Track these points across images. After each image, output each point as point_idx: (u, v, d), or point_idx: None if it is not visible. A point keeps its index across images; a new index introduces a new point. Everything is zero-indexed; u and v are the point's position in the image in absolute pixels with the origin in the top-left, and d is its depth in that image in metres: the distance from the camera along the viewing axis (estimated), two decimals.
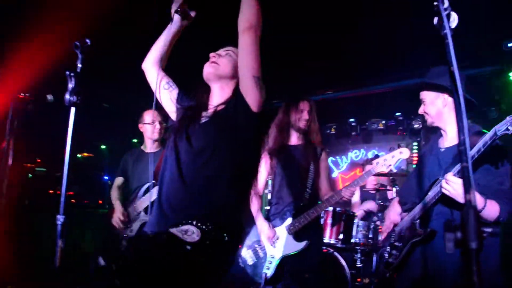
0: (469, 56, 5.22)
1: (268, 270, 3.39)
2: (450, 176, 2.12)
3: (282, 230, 3.42)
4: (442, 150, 2.50)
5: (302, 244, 3.35)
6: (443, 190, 2.14)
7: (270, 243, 3.41)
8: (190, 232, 1.68)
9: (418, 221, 2.40)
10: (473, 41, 4.81)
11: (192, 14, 2.19)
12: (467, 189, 1.06)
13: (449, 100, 2.41)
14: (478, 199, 2.07)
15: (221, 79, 2.03)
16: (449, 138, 2.47)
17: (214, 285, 1.88)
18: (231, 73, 2.02)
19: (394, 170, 3.78)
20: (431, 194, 2.32)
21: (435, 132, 2.67)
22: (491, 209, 2.08)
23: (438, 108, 2.44)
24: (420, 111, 2.54)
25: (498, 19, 4.54)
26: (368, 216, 5.47)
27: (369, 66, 6.14)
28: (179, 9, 2.13)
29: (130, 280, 1.44)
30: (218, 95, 2.04)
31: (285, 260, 3.41)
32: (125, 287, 1.43)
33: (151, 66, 2.18)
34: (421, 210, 2.39)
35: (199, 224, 1.70)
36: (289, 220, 3.41)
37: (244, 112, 1.88)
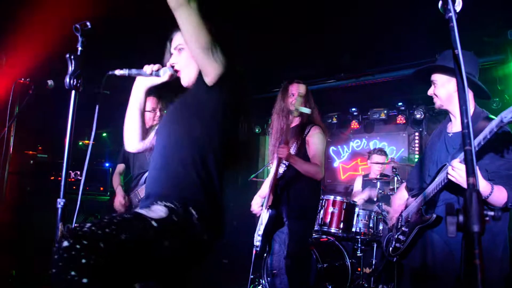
0: (473, 45, 5.18)
1: (258, 242, 3.56)
2: (456, 162, 2.11)
3: (264, 210, 3.58)
4: (450, 135, 2.49)
5: (268, 212, 3.48)
6: (449, 177, 2.13)
7: (257, 215, 3.65)
8: (156, 210, 1.66)
9: (424, 207, 2.40)
10: (477, 31, 4.78)
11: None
12: (469, 172, 1.06)
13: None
14: (485, 186, 2.07)
15: (191, 81, 2.03)
16: (458, 123, 2.46)
17: (190, 269, 1.86)
18: (196, 70, 1.98)
19: (393, 153, 3.83)
20: (437, 179, 2.32)
21: (438, 121, 2.67)
22: (498, 195, 2.09)
23: (449, 92, 2.42)
24: (430, 92, 2.51)
25: (502, 8, 4.50)
26: (368, 203, 5.49)
27: (371, 56, 6.11)
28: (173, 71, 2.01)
29: (97, 260, 1.40)
30: (186, 77, 2.03)
31: (273, 238, 3.64)
32: (91, 268, 1.39)
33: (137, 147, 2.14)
34: (427, 196, 2.39)
35: (166, 204, 1.70)
36: (269, 197, 3.55)
37: (200, 86, 1.87)
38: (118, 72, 1.93)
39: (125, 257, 1.51)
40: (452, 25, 1.28)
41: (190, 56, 1.95)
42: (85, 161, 1.95)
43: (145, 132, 2.13)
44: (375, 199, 5.15)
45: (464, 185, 2.08)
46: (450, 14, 1.29)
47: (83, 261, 1.37)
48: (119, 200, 3.74)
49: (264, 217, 3.52)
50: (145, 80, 2.05)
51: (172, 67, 2.00)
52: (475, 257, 0.94)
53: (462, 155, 2.15)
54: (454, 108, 2.46)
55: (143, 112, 2.11)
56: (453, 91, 2.41)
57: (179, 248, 1.67)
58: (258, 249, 3.53)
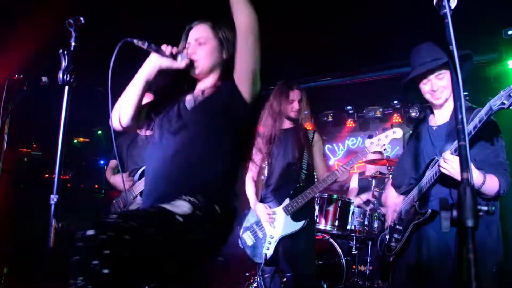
0: (468, 43, 5.19)
1: (268, 250, 3.46)
2: (448, 154, 2.11)
3: (279, 211, 3.48)
4: (434, 128, 2.48)
5: (301, 223, 3.41)
6: (442, 169, 2.13)
7: (270, 222, 3.46)
8: (181, 205, 1.68)
9: (417, 202, 2.40)
10: (472, 29, 4.79)
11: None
12: (463, 167, 1.06)
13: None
14: (478, 175, 2.08)
15: (203, 72, 2.05)
16: (441, 115, 2.46)
17: (209, 261, 1.90)
18: (212, 64, 2.04)
19: (388, 151, 3.84)
20: (428, 174, 2.31)
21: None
22: (490, 184, 2.10)
23: (450, 84, 2.40)
24: (438, 85, 2.42)
25: (498, 6, 4.51)
26: (366, 204, 5.49)
27: (367, 53, 6.11)
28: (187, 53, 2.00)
29: (120, 252, 1.41)
30: (204, 79, 2.07)
31: (281, 242, 3.46)
32: (114, 259, 1.40)
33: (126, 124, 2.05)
34: (419, 191, 2.39)
35: (190, 199, 1.72)
36: (286, 201, 3.46)
37: (238, 101, 1.92)
38: (136, 41, 1.87)
39: (149, 250, 1.52)
40: (446, 22, 1.28)
41: (210, 51, 2.01)
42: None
43: (138, 113, 2.02)
44: (374, 201, 5.14)
45: (457, 177, 2.09)
46: (445, 10, 1.29)
47: (107, 251, 1.38)
48: (119, 177, 3.77)
49: (282, 222, 3.47)
50: (160, 59, 1.95)
51: (190, 57, 2.00)
52: (469, 252, 0.95)
53: (453, 146, 2.15)
54: (444, 102, 2.45)
55: (145, 90, 2.00)
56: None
57: (203, 243, 1.72)
58: (268, 257, 3.48)
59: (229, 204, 1.87)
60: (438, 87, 2.41)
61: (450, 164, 2.09)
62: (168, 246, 1.59)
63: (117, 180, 3.87)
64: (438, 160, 2.23)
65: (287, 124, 3.63)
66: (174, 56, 1.96)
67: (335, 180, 3.41)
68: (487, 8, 4.51)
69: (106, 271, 1.37)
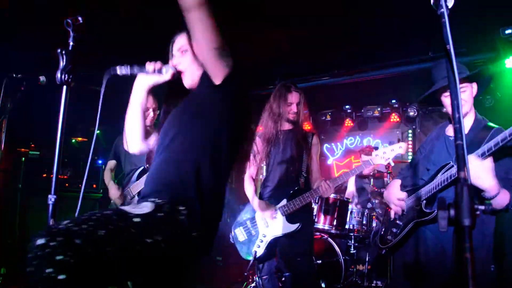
0: (465, 42, 5.21)
1: (259, 248, 3.47)
2: (472, 157, 2.14)
3: (276, 211, 3.47)
4: (451, 138, 2.55)
5: (295, 226, 3.41)
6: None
7: (272, 218, 3.47)
8: (142, 206, 1.62)
9: (424, 202, 2.43)
10: (470, 28, 4.80)
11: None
12: (460, 166, 1.06)
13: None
14: (495, 185, 2.11)
15: (194, 80, 2.01)
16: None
17: (183, 268, 1.83)
18: (195, 65, 1.98)
19: (392, 164, 3.85)
20: (441, 177, 2.36)
21: (432, 119, 2.72)
22: (503, 197, 2.15)
23: (472, 96, 2.51)
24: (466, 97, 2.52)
25: (495, 5, 4.52)
26: (359, 193, 5.51)
27: (365, 52, 6.12)
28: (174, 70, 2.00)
29: (73, 257, 1.37)
30: (189, 78, 2.03)
31: (277, 242, 3.48)
32: (68, 264, 1.35)
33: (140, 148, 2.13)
34: (428, 192, 2.44)
35: (155, 200, 1.66)
36: (283, 202, 3.46)
37: (207, 86, 1.85)
38: (119, 70, 1.90)
39: (104, 253, 1.46)
40: (444, 21, 1.28)
41: (194, 58, 1.94)
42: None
43: (146, 132, 2.10)
44: (374, 201, 5.13)
45: (478, 181, 2.11)
46: (442, 10, 1.29)
47: (59, 257, 1.34)
48: (113, 193, 3.75)
49: (276, 222, 3.47)
50: (147, 78, 2.02)
51: (175, 67, 1.99)
52: (466, 251, 0.95)
53: (479, 150, 2.18)
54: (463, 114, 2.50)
55: (144, 111, 2.09)
56: (474, 94, 2.51)
57: (163, 245, 1.60)
58: (258, 256, 3.48)
59: (201, 209, 1.73)
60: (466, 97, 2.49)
61: (473, 167, 2.10)
62: (122, 249, 1.51)
63: (111, 187, 3.87)
64: (453, 166, 2.28)
65: (286, 126, 3.65)
66: (159, 71, 1.97)
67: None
68: (485, 8, 4.52)
69: (62, 276, 1.33)
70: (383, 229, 2.71)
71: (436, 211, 2.30)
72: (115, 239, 1.49)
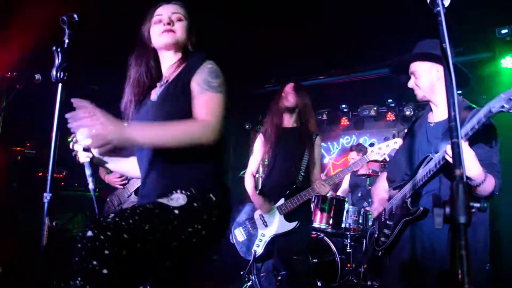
0: (461, 42, 5.22)
1: (258, 247, 3.47)
2: (449, 149, 2.09)
3: (273, 210, 3.47)
4: (432, 125, 2.44)
5: (293, 224, 3.41)
6: (447, 157, 2.07)
7: (267, 214, 3.50)
8: (176, 198, 1.67)
9: (409, 199, 2.38)
10: (466, 27, 4.81)
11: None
12: (456, 164, 1.06)
13: (442, 72, 2.37)
14: (480, 172, 2.04)
15: (176, 46, 1.95)
16: (439, 112, 2.43)
17: (207, 253, 1.88)
18: (186, 39, 1.96)
19: (388, 159, 3.83)
20: (422, 172, 2.30)
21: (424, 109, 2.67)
22: (489, 183, 2.09)
23: (432, 81, 2.37)
24: (410, 84, 2.45)
25: (491, 5, 4.53)
26: (353, 190, 5.53)
27: (361, 52, 6.13)
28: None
29: (120, 252, 1.42)
30: (172, 62, 1.97)
31: (275, 240, 3.47)
32: (113, 259, 1.40)
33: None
34: (411, 188, 2.37)
35: (183, 191, 1.70)
36: (281, 201, 3.46)
37: (185, 81, 1.84)
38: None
39: (149, 247, 1.52)
40: (440, 19, 1.28)
41: (187, 29, 1.95)
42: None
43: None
44: (369, 199, 5.14)
45: (465, 172, 2.05)
46: (438, 8, 1.29)
47: (106, 252, 1.40)
48: (113, 177, 3.77)
49: (274, 221, 3.48)
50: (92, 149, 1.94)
51: (170, 23, 1.91)
52: (461, 248, 0.95)
53: (461, 131, 2.10)
54: (436, 98, 2.41)
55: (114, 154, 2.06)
56: (435, 79, 2.37)
57: (202, 232, 1.68)
58: (258, 256, 3.50)
59: (224, 195, 1.82)
60: (411, 85, 2.45)
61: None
62: (167, 241, 1.58)
63: (111, 179, 3.86)
64: (432, 158, 2.23)
65: (289, 123, 3.66)
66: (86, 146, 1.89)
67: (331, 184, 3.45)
68: (481, 7, 4.54)
69: (105, 271, 1.38)
70: (377, 231, 2.70)
71: (421, 209, 2.27)
72: (160, 233, 1.55)
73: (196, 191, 1.71)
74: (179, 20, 1.94)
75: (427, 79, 2.38)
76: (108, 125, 1.50)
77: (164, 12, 1.94)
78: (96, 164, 2.03)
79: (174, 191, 1.71)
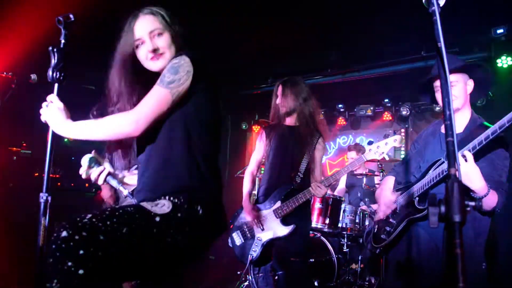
0: (458, 42, 5.24)
1: (255, 252, 3.42)
2: (466, 152, 2.12)
3: (270, 213, 3.43)
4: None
5: (289, 228, 3.35)
6: (461, 159, 2.11)
7: (256, 224, 3.44)
8: (161, 205, 1.64)
9: (417, 198, 2.41)
10: (462, 27, 4.83)
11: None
12: (451, 163, 1.07)
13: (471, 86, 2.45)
14: (483, 186, 2.10)
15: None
16: (457, 124, 2.47)
17: (191, 264, 1.85)
18: (173, 48, 1.89)
19: (387, 158, 3.79)
20: (432, 173, 2.33)
21: (424, 118, 2.70)
22: (491, 198, 2.14)
23: (466, 93, 2.46)
24: (457, 92, 2.46)
25: (487, 5, 4.55)
26: (350, 190, 5.53)
27: (358, 52, 6.14)
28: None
29: (95, 253, 1.40)
30: (166, 61, 1.89)
31: (272, 243, 3.44)
32: (89, 259, 1.38)
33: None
34: (420, 188, 2.40)
35: (171, 198, 1.66)
36: (277, 204, 3.40)
37: None
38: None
39: (124, 251, 1.49)
40: (435, 19, 1.29)
41: (171, 39, 1.87)
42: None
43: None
44: (366, 199, 5.13)
45: (465, 181, 2.09)
46: (434, 8, 1.30)
47: (81, 252, 1.37)
48: (105, 192, 3.74)
49: (271, 225, 3.43)
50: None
51: (155, 50, 1.84)
52: (456, 247, 0.95)
53: (469, 145, 2.16)
54: (458, 110, 2.48)
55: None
56: (468, 91, 2.46)
57: (181, 244, 1.65)
58: (254, 259, 3.44)
59: (213, 207, 1.77)
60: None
61: (463, 170, 2.09)
62: (143, 247, 1.55)
63: (103, 187, 3.85)
64: (444, 162, 2.27)
65: (290, 121, 3.59)
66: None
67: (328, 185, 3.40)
68: (477, 7, 4.55)
69: (81, 271, 1.36)
70: (376, 228, 2.70)
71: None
72: (137, 238, 1.52)
73: (184, 200, 1.67)
74: (160, 34, 1.86)
75: (464, 90, 2.46)
76: (48, 112, 1.79)
77: (142, 33, 1.85)
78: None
79: (162, 197, 1.68)
